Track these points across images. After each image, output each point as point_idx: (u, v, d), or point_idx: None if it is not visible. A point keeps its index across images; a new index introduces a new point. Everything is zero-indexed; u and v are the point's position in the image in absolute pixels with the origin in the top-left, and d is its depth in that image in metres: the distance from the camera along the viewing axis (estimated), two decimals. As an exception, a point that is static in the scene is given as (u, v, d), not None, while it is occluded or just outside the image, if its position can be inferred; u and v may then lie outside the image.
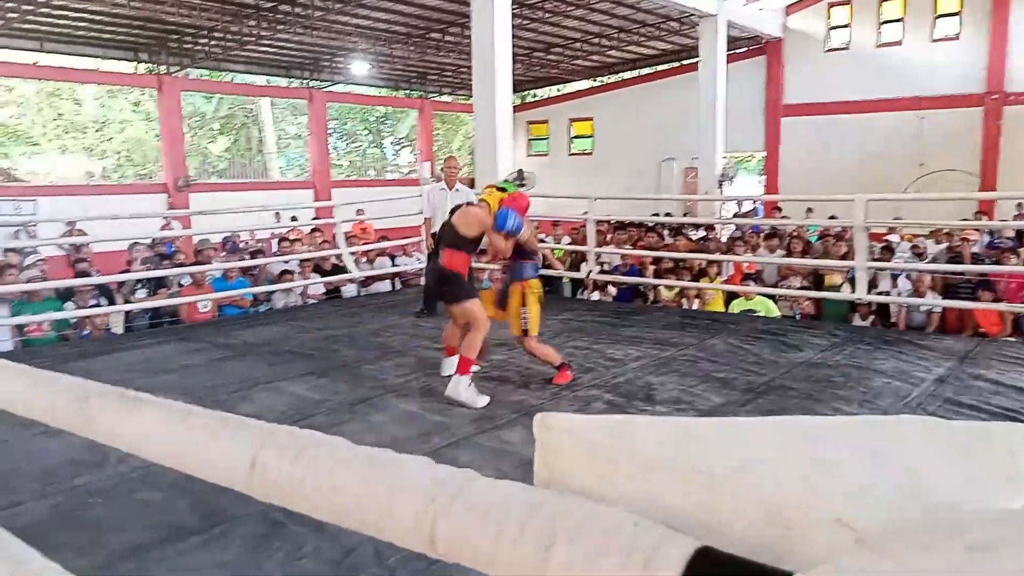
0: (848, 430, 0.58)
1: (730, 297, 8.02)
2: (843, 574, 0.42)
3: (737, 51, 17.76)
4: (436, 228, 6.88)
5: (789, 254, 8.64)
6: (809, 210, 12.75)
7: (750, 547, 0.50)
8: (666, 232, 10.44)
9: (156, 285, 7.78)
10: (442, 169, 7.31)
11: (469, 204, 5.08)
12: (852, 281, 7.14)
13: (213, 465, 0.72)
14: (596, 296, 8.80)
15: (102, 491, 3.29)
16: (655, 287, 8.51)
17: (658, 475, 0.58)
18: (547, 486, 0.62)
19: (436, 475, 0.58)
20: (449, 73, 20.49)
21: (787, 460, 0.54)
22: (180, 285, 7.84)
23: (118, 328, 7.41)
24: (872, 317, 7.55)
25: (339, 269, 8.85)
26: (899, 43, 16.32)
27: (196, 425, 0.72)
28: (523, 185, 5.91)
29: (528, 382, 4.95)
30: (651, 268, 8.71)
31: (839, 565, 0.43)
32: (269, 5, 13.80)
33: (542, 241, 9.72)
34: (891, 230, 10.36)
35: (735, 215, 13.67)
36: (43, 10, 12.58)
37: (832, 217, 9.92)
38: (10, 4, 12.10)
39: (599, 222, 8.89)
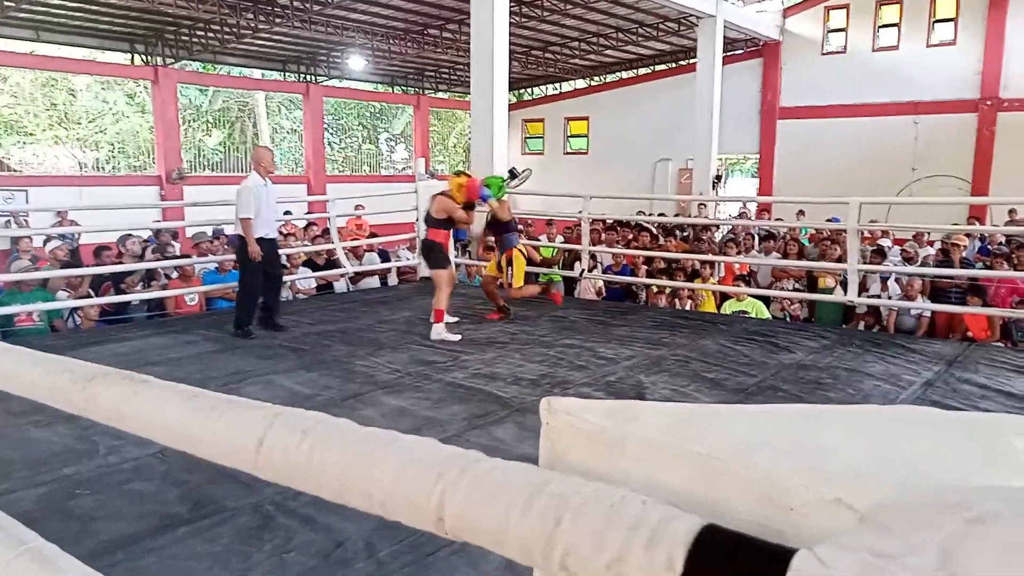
0: (848, 417, 0.59)
1: (723, 298, 8.05)
2: (845, 551, 0.42)
3: (734, 53, 17.81)
4: (261, 231, 6.18)
5: (785, 256, 8.68)
6: (800, 212, 12.78)
7: (751, 527, 0.51)
8: (659, 231, 10.47)
9: (149, 277, 7.74)
10: (259, 162, 6.55)
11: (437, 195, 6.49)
12: (844, 284, 7.19)
13: (220, 446, 0.72)
14: (591, 294, 8.81)
15: (92, 481, 3.28)
16: (647, 287, 8.53)
17: (661, 457, 0.58)
18: (551, 468, 0.63)
19: (443, 454, 0.59)
20: (446, 70, 20.46)
21: (788, 443, 0.55)
22: (168, 277, 7.80)
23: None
24: (864, 320, 7.59)
25: (331, 264, 8.84)
26: (895, 47, 16.38)
27: (203, 406, 0.73)
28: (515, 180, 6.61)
29: (519, 379, 4.96)
30: (643, 268, 8.72)
31: (841, 542, 0.43)
32: (267, -2, 13.76)
33: (536, 239, 9.76)
34: (883, 233, 10.41)
35: (739, 215, 13.70)
36: (39, -1, 12.52)
37: (831, 219, 9.96)
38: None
39: (593, 221, 8.90)
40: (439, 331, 6.15)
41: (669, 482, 0.57)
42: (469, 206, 6.53)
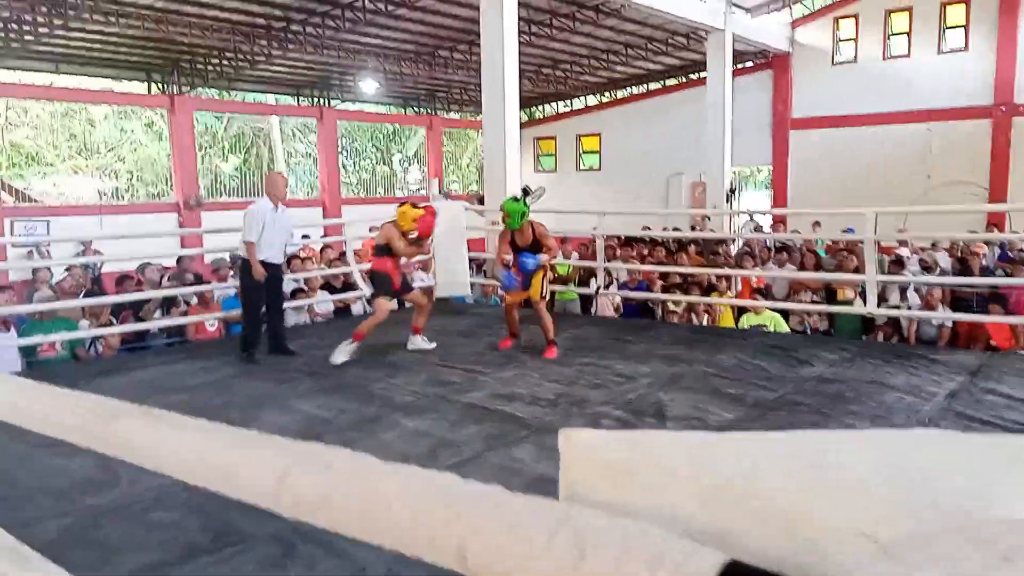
0: (867, 443, 0.59)
1: (740, 312, 8.00)
2: (868, 586, 0.42)
3: (744, 65, 17.83)
4: (264, 255, 6.20)
5: (802, 268, 8.62)
6: (816, 224, 12.72)
7: (770, 559, 0.50)
8: (674, 245, 10.45)
9: (168, 304, 7.81)
10: (271, 187, 6.52)
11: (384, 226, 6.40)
12: (863, 295, 7.12)
13: (241, 481, 0.72)
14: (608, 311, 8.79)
15: (115, 511, 3.29)
16: (663, 303, 8.50)
17: (678, 489, 0.58)
18: (570, 500, 0.63)
19: (465, 490, 0.59)
20: (457, 90, 20.63)
21: (807, 473, 0.55)
22: (188, 304, 7.86)
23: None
24: (884, 331, 7.52)
25: (348, 287, 8.87)
26: (907, 56, 16.33)
27: (223, 442, 0.73)
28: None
29: (537, 399, 4.94)
30: (658, 284, 8.70)
31: (864, 576, 0.43)
32: (280, 25, 13.95)
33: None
34: (901, 243, 10.33)
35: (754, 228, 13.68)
36: (59, 32, 12.76)
37: (846, 230, 9.88)
38: (27, 27, 12.28)
39: (608, 237, 8.89)
40: (344, 349, 6.11)
41: (687, 514, 0.57)
42: (423, 237, 6.39)
